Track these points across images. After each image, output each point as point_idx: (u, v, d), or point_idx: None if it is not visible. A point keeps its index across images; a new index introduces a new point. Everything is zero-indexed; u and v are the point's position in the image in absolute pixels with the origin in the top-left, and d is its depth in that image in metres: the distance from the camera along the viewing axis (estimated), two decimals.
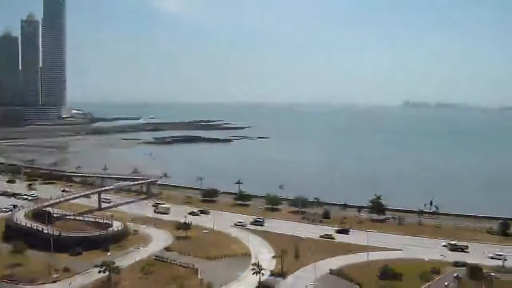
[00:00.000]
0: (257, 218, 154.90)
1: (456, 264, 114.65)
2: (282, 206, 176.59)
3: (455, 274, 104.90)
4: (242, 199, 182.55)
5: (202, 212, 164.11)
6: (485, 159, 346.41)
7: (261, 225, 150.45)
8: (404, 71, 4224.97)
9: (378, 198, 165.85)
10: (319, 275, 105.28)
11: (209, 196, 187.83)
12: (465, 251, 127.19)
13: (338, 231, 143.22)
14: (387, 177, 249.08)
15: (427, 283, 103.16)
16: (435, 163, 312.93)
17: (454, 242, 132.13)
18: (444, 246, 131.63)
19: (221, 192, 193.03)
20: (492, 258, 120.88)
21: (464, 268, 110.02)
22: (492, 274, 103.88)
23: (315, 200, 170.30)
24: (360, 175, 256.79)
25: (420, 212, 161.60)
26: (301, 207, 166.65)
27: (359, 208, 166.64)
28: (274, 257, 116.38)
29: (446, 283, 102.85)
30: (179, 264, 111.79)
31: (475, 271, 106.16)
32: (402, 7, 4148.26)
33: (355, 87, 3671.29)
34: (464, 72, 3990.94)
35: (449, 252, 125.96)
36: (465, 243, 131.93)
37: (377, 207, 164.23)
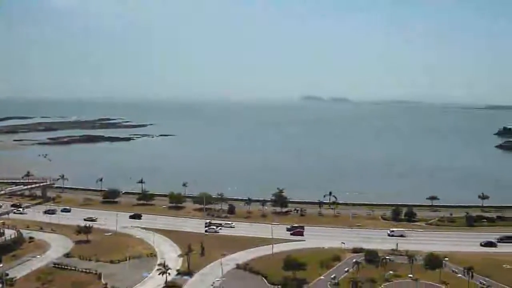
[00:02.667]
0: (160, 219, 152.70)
1: (355, 250, 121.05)
2: (186, 203, 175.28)
3: (354, 260, 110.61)
4: (145, 199, 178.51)
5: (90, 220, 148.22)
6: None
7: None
8: (304, 67, 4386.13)
9: (281, 191, 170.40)
10: (226, 270, 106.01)
11: (110, 197, 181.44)
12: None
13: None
14: (289, 171, 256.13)
15: (329, 270, 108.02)
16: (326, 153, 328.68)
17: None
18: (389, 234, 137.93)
19: (122, 192, 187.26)
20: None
21: (363, 253, 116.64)
22: (387, 257, 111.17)
23: (220, 196, 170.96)
24: (263, 169, 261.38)
25: (320, 203, 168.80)
26: (206, 204, 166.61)
27: (263, 202, 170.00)
28: (180, 255, 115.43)
29: (346, 269, 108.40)
30: (80, 270, 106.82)
31: (372, 255, 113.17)
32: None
33: (260, 82, 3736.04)
34: (362, 68, 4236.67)
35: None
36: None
37: (280, 200, 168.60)
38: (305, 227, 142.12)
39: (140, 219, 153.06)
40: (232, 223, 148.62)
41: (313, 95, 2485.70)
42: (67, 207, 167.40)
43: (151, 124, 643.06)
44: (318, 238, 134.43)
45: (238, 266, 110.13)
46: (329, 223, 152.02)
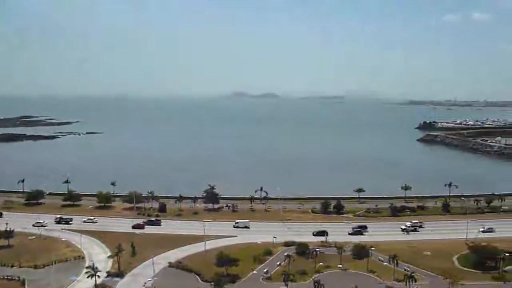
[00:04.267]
0: (88, 219, 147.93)
1: (286, 244, 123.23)
2: (115, 203, 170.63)
3: (285, 253, 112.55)
4: (71, 199, 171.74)
5: None
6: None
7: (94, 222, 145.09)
8: (235, 62, 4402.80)
9: (212, 188, 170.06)
10: (158, 270, 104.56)
11: (34, 199, 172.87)
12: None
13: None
14: (220, 167, 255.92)
15: (261, 265, 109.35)
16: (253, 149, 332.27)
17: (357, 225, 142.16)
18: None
19: (47, 193, 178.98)
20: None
21: (294, 246, 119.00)
22: (317, 249, 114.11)
23: (150, 195, 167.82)
24: (194, 166, 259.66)
25: (252, 199, 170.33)
26: (136, 203, 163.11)
27: (194, 199, 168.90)
28: (110, 256, 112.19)
29: (278, 262, 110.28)
30: (1, 277, 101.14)
31: (302, 248, 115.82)
32: None
33: (191, 78, 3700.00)
34: (292, 65, 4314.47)
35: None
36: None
37: (211, 197, 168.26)
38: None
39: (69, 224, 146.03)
40: (94, 218, 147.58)
41: (243, 91, 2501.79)
42: None
43: (77, 122, 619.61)
44: (250, 233, 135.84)
45: (170, 265, 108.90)
46: (260, 218, 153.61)
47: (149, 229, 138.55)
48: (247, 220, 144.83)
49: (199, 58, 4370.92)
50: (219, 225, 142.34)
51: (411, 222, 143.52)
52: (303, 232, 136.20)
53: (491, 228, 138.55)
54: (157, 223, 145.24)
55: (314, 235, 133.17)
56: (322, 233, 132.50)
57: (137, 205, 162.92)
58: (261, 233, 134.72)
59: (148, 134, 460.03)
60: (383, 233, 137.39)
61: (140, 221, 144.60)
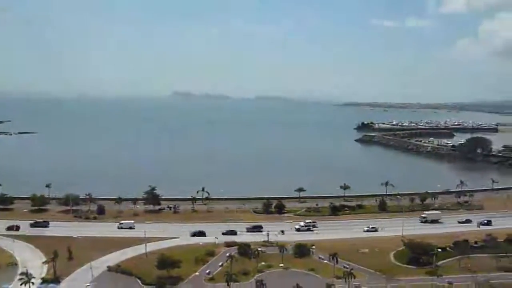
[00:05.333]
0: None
1: (228, 244, 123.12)
2: (51, 206, 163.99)
3: (228, 254, 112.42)
4: (3, 203, 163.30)
5: None
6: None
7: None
8: (175, 62, 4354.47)
9: (153, 189, 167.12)
10: (96, 274, 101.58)
11: None
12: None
13: None
14: (159, 167, 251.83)
15: (203, 266, 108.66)
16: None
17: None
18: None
19: None
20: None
21: (236, 247, 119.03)
22: (259, 249, 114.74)
23: (88, 197, 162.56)
24: (134, 166, 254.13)
25: (194, 199, 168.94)
26: (73, 205, 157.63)
27: (134, 201, 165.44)
28: (45, 262, 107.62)
29: (220, 263, 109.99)
30: None
31: (244, 248, 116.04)
32: None
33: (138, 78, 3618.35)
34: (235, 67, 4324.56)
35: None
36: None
37: (152, 198, 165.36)
38: (176, 224, 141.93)
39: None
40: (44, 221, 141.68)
41: (191, 91, 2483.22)
42: None
43: (9, 121, 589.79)
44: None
45: (110, 269, 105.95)
46: (202, 219, 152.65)
47: (57, 231, 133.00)
48: (132, 221, 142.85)
49: (146, 58, 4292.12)
50: (160, 227, 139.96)
51: (304, 222, 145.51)
52: (245, 232, 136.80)
53: (375, 227, 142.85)
54: (44, 224, 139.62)
55: (248, 230, 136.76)
56: (258, 227, 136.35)
57: (74, 208, 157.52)
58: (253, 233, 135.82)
59: (88, 134, 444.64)
60: (324, 231, 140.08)
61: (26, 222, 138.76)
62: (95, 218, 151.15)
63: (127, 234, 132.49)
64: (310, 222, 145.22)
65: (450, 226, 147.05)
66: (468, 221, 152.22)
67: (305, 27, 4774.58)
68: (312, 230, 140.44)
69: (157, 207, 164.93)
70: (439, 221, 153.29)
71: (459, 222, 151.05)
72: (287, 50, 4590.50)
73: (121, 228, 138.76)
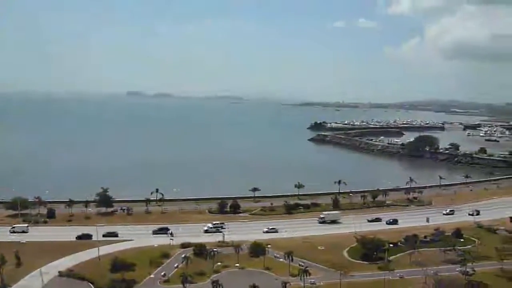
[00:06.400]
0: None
1: (184, 245, 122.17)
2: None
3: (183, 255, 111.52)
4: None
5: None
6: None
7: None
8: (131, 60, 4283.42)
9: (105, 191, 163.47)
10: (47, 280, 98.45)
11: None
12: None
13: None
14: (113, 169, 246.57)
15: (158, 268, 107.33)
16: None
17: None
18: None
19: None
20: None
21: (191, 248, 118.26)
22: (215, 249, 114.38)
23: (37, 200, 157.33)
24: (83, 168, 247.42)
25: (147, 201, 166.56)
26: (21, 209, 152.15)
27: (86, 203, 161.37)
28: None
29: (176, 265, 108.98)
30: None
31: (200, 249, 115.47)
32: None
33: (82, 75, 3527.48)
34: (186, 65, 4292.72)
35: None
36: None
37: (104, 200, 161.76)
38: (130, 227, 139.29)
39: None
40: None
41: (138, 91, 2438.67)
42: None
43: None
44: (147, 236, 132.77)
45: (61, 274, 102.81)
46: (157, 220, 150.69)
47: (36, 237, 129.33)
48: (25, 225, 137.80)
49: (95, 56, 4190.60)
50: (113, 229, 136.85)
51: (212, 223, 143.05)
52: (200, 233, 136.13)
53: (274, 228, 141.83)
54: None
55: (154, 233, 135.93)
56: (164, 229, 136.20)
57: (22, 212, 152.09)
58: (158, 235, 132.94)
59: (38, 134, 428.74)
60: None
61: None
62: (45, 222, 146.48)
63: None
64: (218, 223, 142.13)
65: (351, 225, 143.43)
66: (378, 219, 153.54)
67: (258, 28, 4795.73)
68: (220, 232, 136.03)
69: (110, 210, 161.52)
70: (338, 221, 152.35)
71: (369, 221, 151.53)
72: (241, 50, 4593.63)
73: (14, 232, 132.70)
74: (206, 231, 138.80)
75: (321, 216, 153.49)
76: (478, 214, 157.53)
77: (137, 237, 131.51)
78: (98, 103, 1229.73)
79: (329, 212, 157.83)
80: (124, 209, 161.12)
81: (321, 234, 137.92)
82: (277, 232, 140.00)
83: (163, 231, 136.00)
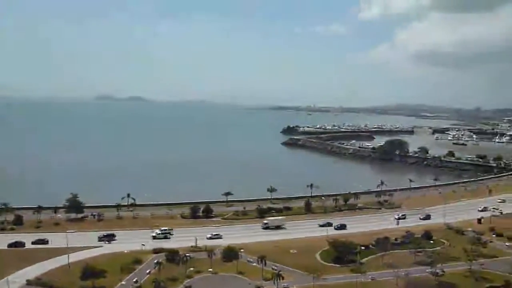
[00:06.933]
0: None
1: (156, 251, 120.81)
2: None
3: (155, 261, 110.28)
4: None
5: None
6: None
7: None
8: (102, 64, 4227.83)
9: (75, 196, 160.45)
10: None
11: None
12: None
13: None
14: (83, 174, 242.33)
15: (130, 274, 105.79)
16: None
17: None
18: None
19: None
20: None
21: (164, 253, 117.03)
22: (187, 254, 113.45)
23: (3, 206, 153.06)
24: (55, 174, 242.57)
25: (119, 206, 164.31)
26: None
27: (55, 209, 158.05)
28: None
29: (148, 271, 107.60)
30: None
31: (172, 254, 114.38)
32: None
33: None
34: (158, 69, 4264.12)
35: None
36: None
37: (74, 206, 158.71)
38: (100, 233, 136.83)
39: None
40: None
41: (109, 94, 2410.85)
42: None
43: None
44: (118, 242, 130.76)
45: (29, 283, 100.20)
46: (128, 226, 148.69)
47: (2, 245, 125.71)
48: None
49: (65, 60, 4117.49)
50: (83, 236, 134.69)
51: (160, 229, 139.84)
52: (173, 238, 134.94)
53: (218, 234, 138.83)
54: None
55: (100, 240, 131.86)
56: (110, 236, 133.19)
57: None
58: (130, 241, 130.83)
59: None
60: (252, 234, 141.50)
61: None
62: (12, 229, 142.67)
63: (48, 244, 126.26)
64: (166, 230, 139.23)
65: (295, 232, 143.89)
66: (329, 224, 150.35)
67: (228, 33, 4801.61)
68: (169, 238, 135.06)
69: (80, 215, 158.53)
70: (282, 226, 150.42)
71: (320, 226, 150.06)
72: (212, 55, 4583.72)
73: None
74: (154, 238, 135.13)
75: (265, 222, 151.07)
76: (429, 218, 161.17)
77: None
78: (62, 109, 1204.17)
79: (273, 218, 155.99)
80: (95, 215, 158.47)
81: (264, 240, 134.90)
82: (221, 238, 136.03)
83: (108, 237, 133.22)
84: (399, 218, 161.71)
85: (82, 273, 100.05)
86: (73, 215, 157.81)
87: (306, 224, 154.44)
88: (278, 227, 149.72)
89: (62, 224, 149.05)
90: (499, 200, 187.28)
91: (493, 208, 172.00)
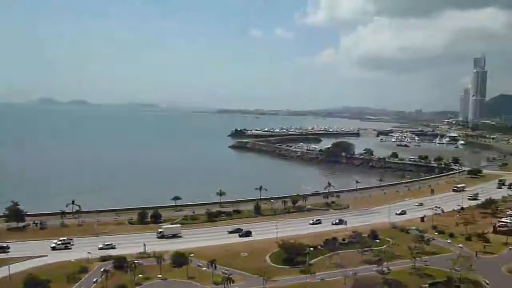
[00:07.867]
0: None
1: (103, 258, 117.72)
2: None
3: (102, 269, 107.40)
4: None
5: None
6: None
7: None
8: (45, 66, 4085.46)
9: (16, 204, 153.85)
10: None
11: None
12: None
13: None
14: (23, 180, 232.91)
15: (76, 284, 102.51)
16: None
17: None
18: None
19: None
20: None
21: (111, 261, 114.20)
22: (136, 261, 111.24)
23: None
24: None
25: (63, 213, 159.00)
26: None
27: None
28: None
29: (94, 279, 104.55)
30: None
31: (120, 261, 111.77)
32: None
33: None
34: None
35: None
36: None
37: (15, 214, 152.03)
38: (44, 242, 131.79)
39: None
40: None
41: (51, 97, 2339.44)
42: None
43: None
44: (63, 251, 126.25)
45: None
46: (73, 234, 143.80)
47: None
48: None
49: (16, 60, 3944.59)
50: (26, 245, 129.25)
51: (59, 239, 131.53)
52: (121, 245, 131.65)
53: (110, 244, 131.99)
54: None
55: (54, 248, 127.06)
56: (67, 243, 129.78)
57: None
58: (75, 249, 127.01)
59: None
60: (201, 238, 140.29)
61: None
62: None
63: None
64: (66, 240, 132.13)
65: (192, 240, 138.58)
66: (238, 230, 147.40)
67: (174, 36, 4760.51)
68: (70, 248, 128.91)
69: (21, 224, 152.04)
70: (178, 235, 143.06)
71: (229, 232, 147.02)
72: (158, 57, 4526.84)
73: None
74: (53, 248, 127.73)
75: (159, 230, 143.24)
76: (343, 224, 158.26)
77: None
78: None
79: (168, 226, 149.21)
80: (37, 223, 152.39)
81: (158, 250, 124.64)
82: (114, 248, 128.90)
83: (65, 244, 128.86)
84: (313, 223, 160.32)
85: (24, 284, 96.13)
86: (13, 224, 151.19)
87: (206, 232, 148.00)
88: (174, 236, 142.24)
89: (2, 233, 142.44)
90: (416, 204, 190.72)
91: (435, 207, 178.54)
